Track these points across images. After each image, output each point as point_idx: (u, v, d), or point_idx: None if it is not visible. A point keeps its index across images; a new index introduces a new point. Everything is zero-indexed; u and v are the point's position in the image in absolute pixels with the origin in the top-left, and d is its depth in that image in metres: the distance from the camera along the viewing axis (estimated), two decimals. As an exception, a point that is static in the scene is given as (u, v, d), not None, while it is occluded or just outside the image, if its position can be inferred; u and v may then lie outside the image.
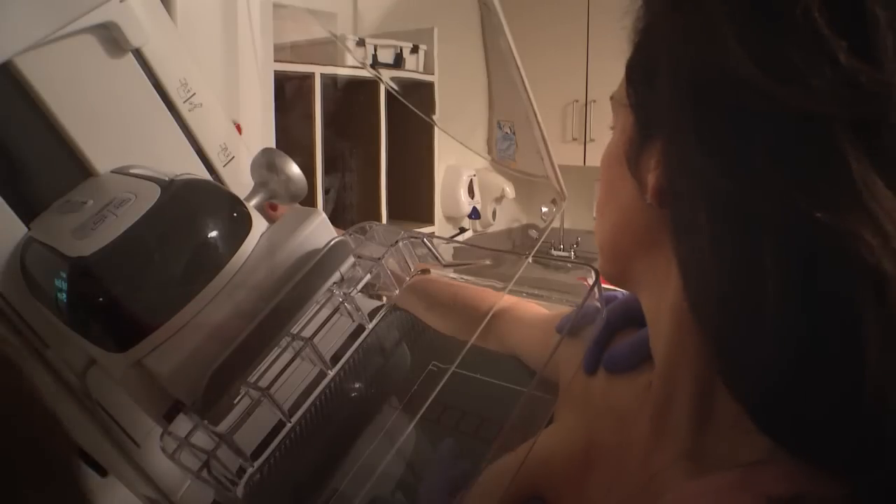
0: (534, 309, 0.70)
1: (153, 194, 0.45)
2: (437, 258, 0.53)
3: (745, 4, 0.28)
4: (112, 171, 0.53)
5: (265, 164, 0.58)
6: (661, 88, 0.32)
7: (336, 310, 0.47)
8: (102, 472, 0.58)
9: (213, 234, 0.46)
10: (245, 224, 0.48)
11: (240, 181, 0.64)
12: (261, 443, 0.45)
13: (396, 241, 0.49)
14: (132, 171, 0.52)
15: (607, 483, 0.43)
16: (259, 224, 0.49)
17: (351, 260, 0.49)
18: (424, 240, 0.52)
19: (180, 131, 0.58)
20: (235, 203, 0.49)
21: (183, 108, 0.58)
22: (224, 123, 0.63)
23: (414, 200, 2.51)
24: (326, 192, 2.20)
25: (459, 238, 2.78)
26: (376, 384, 0.50)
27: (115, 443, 0.54)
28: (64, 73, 0.50)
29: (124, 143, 0.55)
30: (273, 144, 1.14)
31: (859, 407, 0.26)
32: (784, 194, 0.27)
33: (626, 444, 0.43)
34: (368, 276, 0.47)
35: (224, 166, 0.62)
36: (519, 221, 3.16)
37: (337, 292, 0.46)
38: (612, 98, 0.38)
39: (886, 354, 0.25)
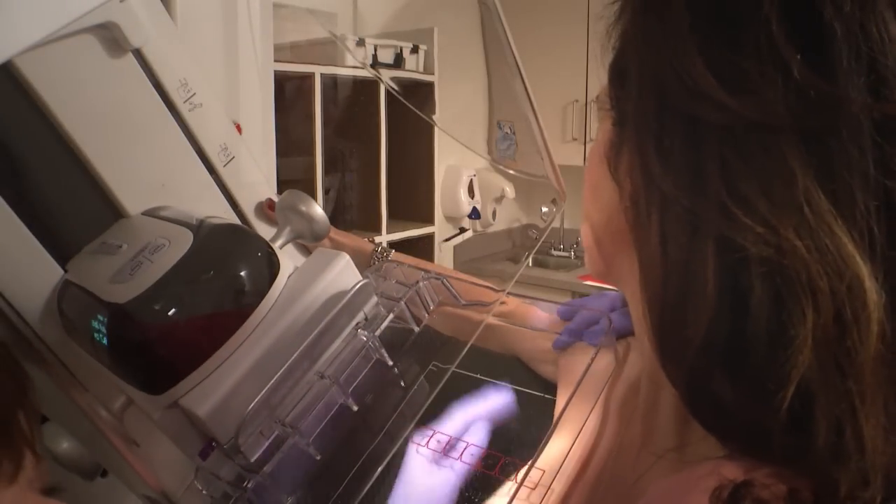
0: (534, 311, 0.70)
1: (186, 240, 0.47)
2: (455, 298, 0.55)
3: (709, 15, 0.29)
4: (142, 214, 0.55)
5: (289, 207, 0.60)
6: (631, 93, 0.33)
7: (362, 349, 0.49)
8: (102, 473, 0.58)
9: (245, 278, 0.47)
10: (273, 267, 0.49)
11: (240, 181, 0.64)
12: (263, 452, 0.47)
13: (417, 282, 0.52)
14: (162, 213, 0.54)
15: (604, 485, 0.43)
16: (286, 266, 0.50)
17: (374, 300, 0.51)
18: (444, 281, 0.54)
19: (180, 131, 0.58)
20: (264, 246, 0.50)
21: (183, 108, 0.58)
22: (224, 123, 0.63)
23: (414, 200, 2.51)
24: (326, 192, 2.20)
25: (459, 238, 2.78)
26: (397, 417, 0.52)
27: (114, 443, 0.54)
28: (64, 74, 0.50)
29: (125, 143, 0.55)
30: (273, 144, 1.14)
31: (779, 402, 0.27)
32: (728, 205, 0.28)
33: (626, 445, 0.43)
34: (391, 317, 0.50)
35: (224, 166, 0.62)
36: (519, 221, 3.16)
37: (362, 332, 0.49)
38: (596, 99, 0.39)
39: (818, 360, 0.26)
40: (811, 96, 0.26)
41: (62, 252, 0.52)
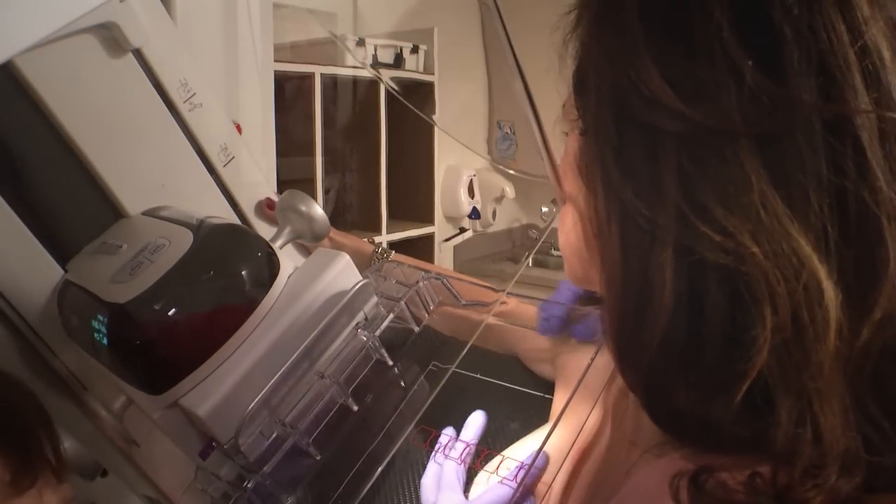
0: (532, 310, 0.70)
1: (186, 240, 0.47)
2: (455, 297, 0.55)
3: (662, 25, 0.29)
4: (142, 214, 0.55)
5: (289, 207, 0.60)
6: (591, 103, 0.33)
7: (362, 349, 0.49)
8: (103, 472, 0.58)
9: (245, 278, 0.47)
10: (273, 267, 0.49)
11: (240, 181, 0.64)
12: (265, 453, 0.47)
13: (417, 282, 0.52)
14: (162, 213, 0.54)
15: (598, 482, 0.44)
16: (286, 266, 0.50)
17: (374, 300, 0.51)
18: (444, 281, 0.54)
19: (180, 131, 0.58)
20: (264, 246, 0.50)
21: (183, 108, 0.58)
22: (224, 123, 0.63)
23: (414, 200, 2.51)
24: (326, 192, 2.20)
25: (459, 238, 2.78)
26: (397, 417, 0.52)
27: (115, 443, 0.54)
28: (64, 73, 0.50)
29: (125, 143, 0.55)
30: (273, 144, 1.14)
31: (732, 400, 0.28)
32: (685, 213, 0.28)
33: (618, 442, 0.44)
34: (391, 316, 0.50)
35: (224, 166, 0.62)
36: (519, 221, 3.16)
37: (362, 332, 0.49)
38: (563, 108, 0.39)
39: (776, 359, 0.27)
40: (764, 101, 0.27)
41: (62, 252, 0.52)
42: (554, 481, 0.46)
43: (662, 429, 0.32)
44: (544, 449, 0.49)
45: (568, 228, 0.40)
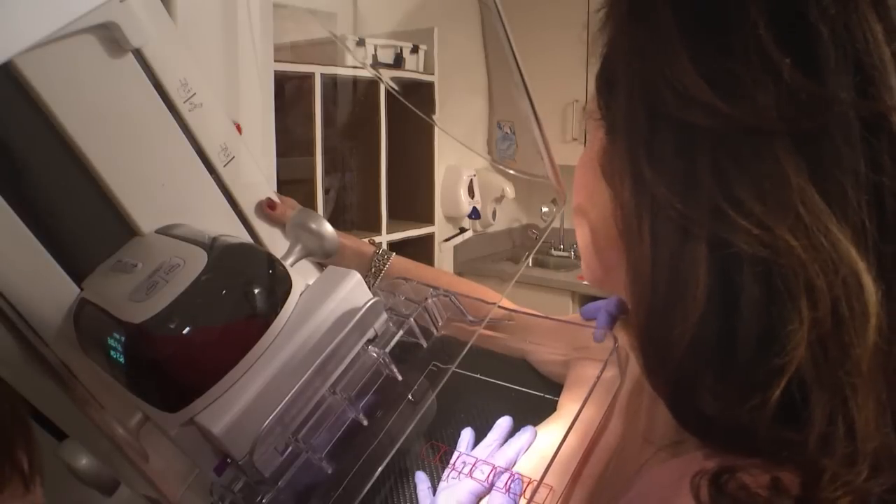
0: (540, 323, 0.70)
1: (200, 260, 0.47)
2: (463, 314, 0.56)
3: (697, 22, 0.29)
4: (156, 232, 0.55)
5: (299, 225, 0.61)
6: (620, 101, 0.33)
7: (373, 365, 0.50)
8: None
9: (258, 297, 0.48)
10: (286, 285, 0.50)
11: (240, 181, 0.64)
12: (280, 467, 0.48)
13: (426, 299, 0.53)
14: (175, 232, 0.54)
15: (607, 478, 0.44)
16: (298, 284, 0.51)
17: (384, 317, 0.52)
18: (452, 298, 0.55)
19: (180, 131, 0.58)
20: (276, 265, 0.50)
21: (183, 108, 0.58)
22: (224, 123, 0.63)
23: (414, 200, 2.51)
24: (326, 192, 2.20)
25: (459, 238, 2.78)
26: (406, 431, 0.52)
27: (115, 443, 0.54)
28: (64, 74, 0.50)
29: (125, 143, 0.55)
30: (273, 144, 1.13)
31: (769, 398, 0.27)
32: (722, 208, 0.28)
33: (630, 439, 0.44)
34: (401, 333, 0.51)
35: (224, 166, 0.62)
36: (519, 221, 3.16)
37: (372, 349, 0.50)
38: (584, 108, 0.39)
39: (812, 355, 0.27)
40: (802, 98, 0.27)
41: (66, 254, 0.52)
42: (557, 478, 0.46)
43: (689, 431, 0.32)
44: (535, 428, 0.49)
45: (588, 227, 0.39)
